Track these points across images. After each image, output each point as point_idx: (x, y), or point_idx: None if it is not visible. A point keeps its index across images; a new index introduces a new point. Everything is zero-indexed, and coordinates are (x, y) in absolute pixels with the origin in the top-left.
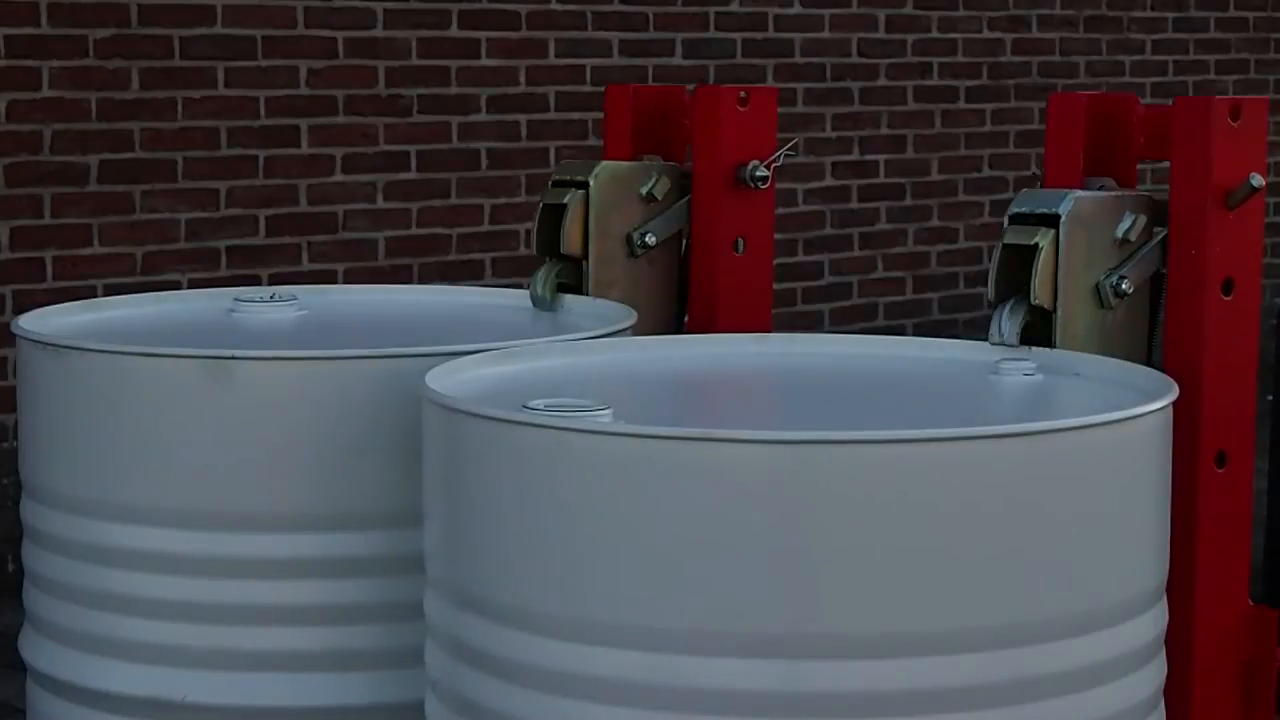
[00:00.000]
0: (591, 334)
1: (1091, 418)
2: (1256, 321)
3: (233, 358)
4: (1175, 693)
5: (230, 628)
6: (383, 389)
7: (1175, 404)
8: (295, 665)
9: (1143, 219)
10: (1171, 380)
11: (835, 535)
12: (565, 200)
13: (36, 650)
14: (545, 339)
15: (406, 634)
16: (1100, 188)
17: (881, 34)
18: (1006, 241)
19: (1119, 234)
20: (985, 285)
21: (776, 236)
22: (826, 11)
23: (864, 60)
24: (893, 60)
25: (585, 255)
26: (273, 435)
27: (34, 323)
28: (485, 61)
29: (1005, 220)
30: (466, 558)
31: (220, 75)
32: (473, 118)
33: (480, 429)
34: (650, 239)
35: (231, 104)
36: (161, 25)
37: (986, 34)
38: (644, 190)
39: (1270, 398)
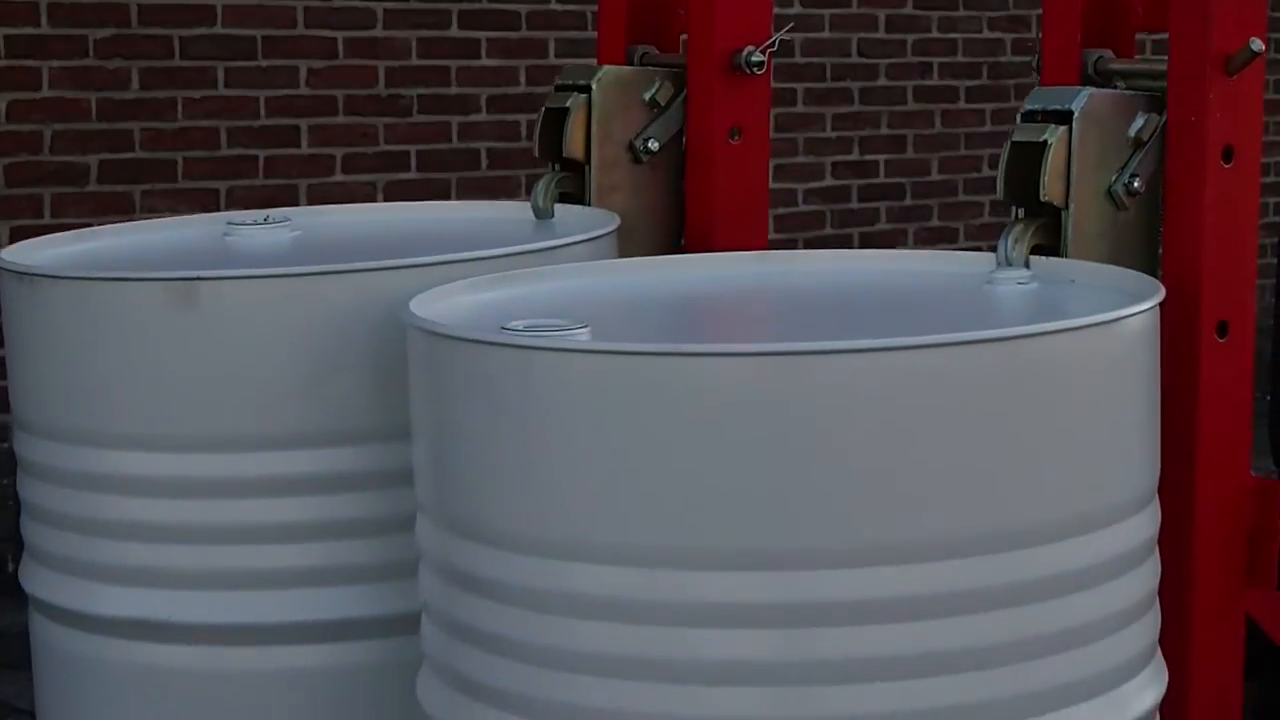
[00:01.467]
0: (572, 240)
1: (1070, 321)
2: (1257, 190)
3: (198, 279)
4: (1175, 568)
5: (221, 547)
6: (356, 303)
7: (1176, 275)
8: (291, 581)
9: (1155, 118)
10: (1159, 283)
11: (816, 446)
12: (568, 104)
13: (34, 578)
14: (521, 246)
15: (399, 546)
16: (1098, 59)
17: (881, 34)
18: (1015, 139)
19: (1131, 133)
20: None
21: (777, 237)
22: (826, 11)
23: (864, 60)
24: (893, 60)
25: (587, 160)
26: (248, 355)
27: (19, 254)
28: (485, 61)
29: (1018, 119)
30: (451, 481)
31: (220, 75)
32: (473, 118)
33: (458, 352)
34: (653, 144)
35: (231, 104)
36: (161, 25)
37: (986, 34)
38: (647, 96)
39: (1269, 397)
